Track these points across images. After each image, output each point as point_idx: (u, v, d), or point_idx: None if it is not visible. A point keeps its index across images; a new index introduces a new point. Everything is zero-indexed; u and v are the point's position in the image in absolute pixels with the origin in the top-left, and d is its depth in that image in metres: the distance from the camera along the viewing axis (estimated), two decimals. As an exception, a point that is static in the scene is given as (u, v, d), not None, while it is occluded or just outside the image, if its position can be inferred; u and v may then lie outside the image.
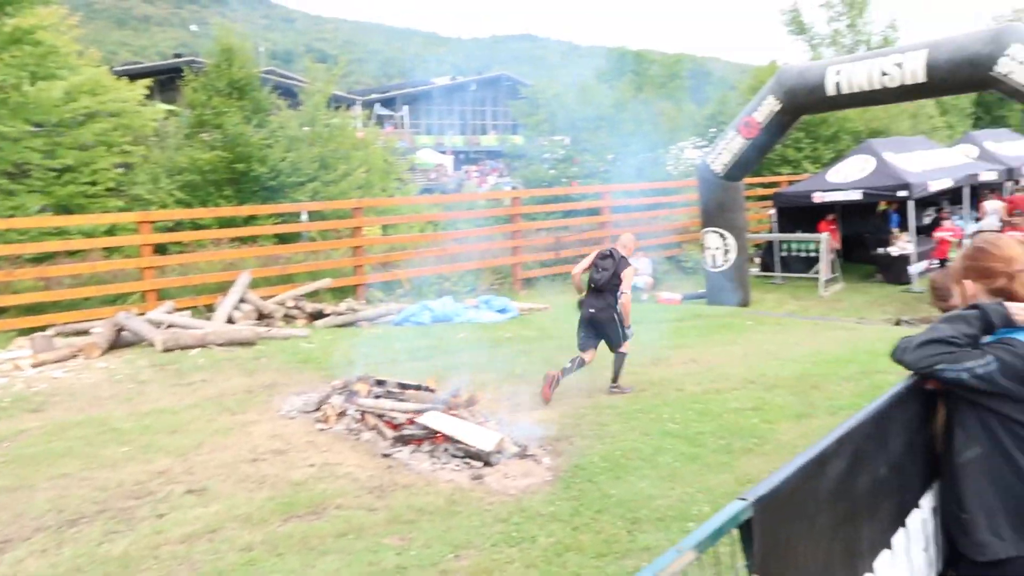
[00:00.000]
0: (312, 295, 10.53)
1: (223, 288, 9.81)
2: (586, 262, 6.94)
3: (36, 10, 11.31)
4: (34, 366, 7.39)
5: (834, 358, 7.35)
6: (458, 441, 5.20)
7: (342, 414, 5.81)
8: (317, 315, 9.89)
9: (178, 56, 28.71)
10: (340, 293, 11.25)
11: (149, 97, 15.24)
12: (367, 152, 15.66)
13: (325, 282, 10.80)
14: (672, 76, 27.86)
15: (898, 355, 2.39)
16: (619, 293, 6.63)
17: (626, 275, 6.67)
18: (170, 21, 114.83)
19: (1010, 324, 2.33)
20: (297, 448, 5.34)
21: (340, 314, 9.94)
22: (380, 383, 6.18)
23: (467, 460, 5.08)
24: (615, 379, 6.73)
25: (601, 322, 6.68)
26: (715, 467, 4.84)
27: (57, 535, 4.10)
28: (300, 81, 18.56)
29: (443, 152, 41.10)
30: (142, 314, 8.73)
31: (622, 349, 6.74)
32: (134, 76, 16.04)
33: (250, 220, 11.85)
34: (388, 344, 8.40)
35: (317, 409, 6.03)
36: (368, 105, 37.61)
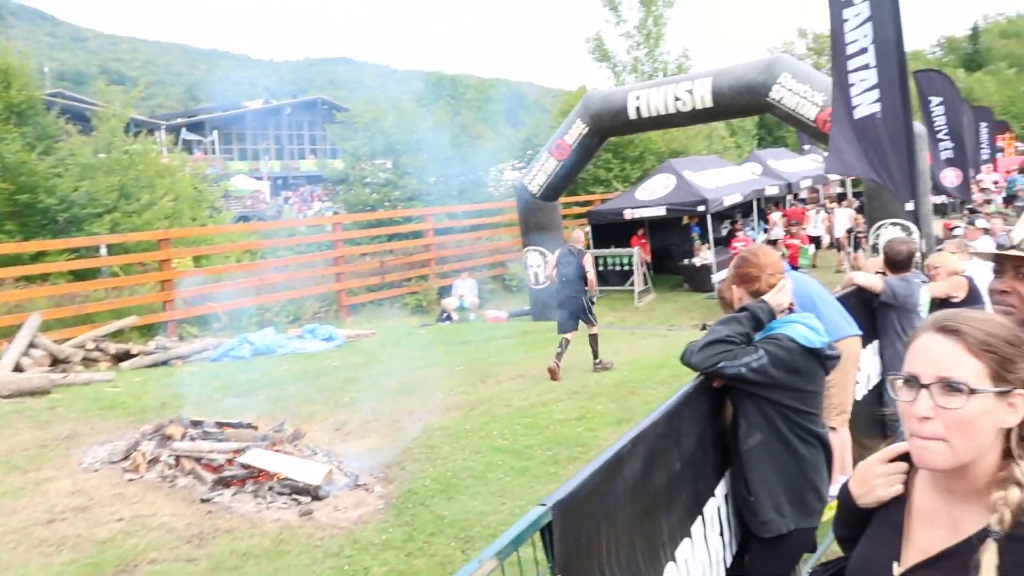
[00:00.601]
0: (116, 335, 9.72)
1: (8, 333, 8.81)
2: (552, 263, 8.74)
3: None
4: None
5: (649, 364, 7.86)
6: (284, 477, 5.02)
7: (154, 461, 5.41)
8: (123, 356, 9.15)
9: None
10: (149, 331, 10.48)
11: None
12: (174, 179, 14.76)
13: (130, 320, 10.01)
14: (487, 100, 28.64)
15: (686, 358, 2.64)
16: (586, 278, 8.35)
17: (587, 262, 8.48)
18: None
19: (774, 316, 2.68)
20: (102, 503, 4.91)
21: (149, 353, 9.25)
22: (196, 424, 5.82)
23: (295, 496, 4.90)
24: (596, 357, 8.11)
25: (575, 307, 8.23)
26: (544, 478, 5.00)
27: None
28: (93, 104, 17.18)
29: (259, 178, 39.46)
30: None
31: (593, 330, 8.24)
32: None
33: (39, 256, 10.76)
34: (205, 382, 7.93)
35: (125, 458, 5.57)
36: (173, 130, 35.43)
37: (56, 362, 8.55)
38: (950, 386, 1.19)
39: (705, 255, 15.29)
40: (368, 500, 4.92)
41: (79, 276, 11.00)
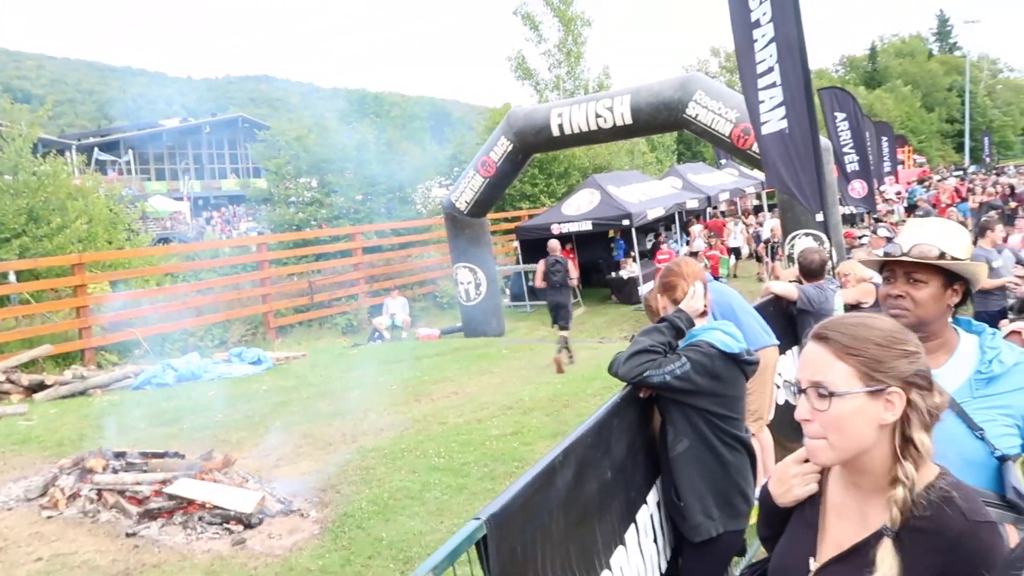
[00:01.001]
0: (29, 365, 9.27)
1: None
2: (540, 272, 10.27)
3: None
4: None
5: (581, 377, 7.99)
6: (214, 507, 4.89)
7: (74, 496, 5.20)
8: (37, 387, 8.72)
9: None
10: (65, 360, 10.03)
11: None
12: (87, 201, 14.18)
13: (44, 349, 9.57)
14: (412, 117, 28.60)
15: (613, 369, 2.74)
16: (571, 281, 10.27)
17: (571, 269, 10.31)
18: None
19: (693, 323, 2.81)
20: (18, 542, 4.70)
21: (65, 383, 8.84)
22: (119, 455, 5.62)
23: (226, 526, 4.79)
24: (568, 350, 9.45)
25: (562, 307, 9.90)
26: (481, 494, 5.03)
27: None
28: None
29: (179, 198, 38.25)
30: None
31: (569, 328, 9.92)
32: None
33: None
34: (127, 411, 7.65)
35: (43, 494, 5.34)
36: (85, 150, 34.04)
37: (-37, 396, 8.10)
38: (820, 390, 1.31)
39: (631, 268, 15.63)
40: (303, 526, 4.85)
41: (-14, 305, 10.45)
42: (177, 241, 23.73)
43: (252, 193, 24.63)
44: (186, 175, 43.34)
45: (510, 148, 11.57)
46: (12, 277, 11.12)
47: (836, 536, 1.39)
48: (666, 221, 18.69)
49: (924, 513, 1.25)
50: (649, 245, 18.18)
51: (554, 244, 10.72)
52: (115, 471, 5.41)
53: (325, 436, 6.49)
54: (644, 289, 15.25)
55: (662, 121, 10.63)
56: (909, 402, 1.29)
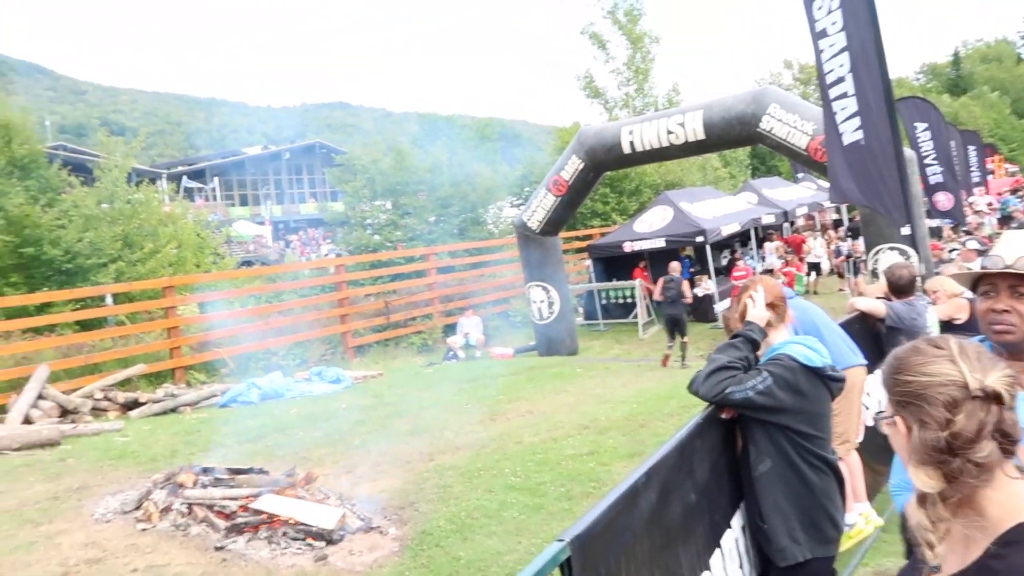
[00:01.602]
0: (124, 383, 9.75)
1: (16, 386, 8.83)
2: (659, 289, 12.08)
3: None
4: None
5: (657, 396, 7.87)
6: (298, 522, 5.01)
7: (167, 510, 5.40)
8: (132, 405, 9.16)
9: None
10: (157, 378, 10.50)
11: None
12: (176, 227, 14.92)
13: (138, 368, 10.04)
14: (483, 139, 29.00)
15: (693, 388, 2.70)
16: (683, 299, 11.79)
17: (684, 287, 11.92)
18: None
19: (765, 332, 2.75)
20: (115, 554, 4.90)
21: (158, 401, 9.26)
22: (207, 471, 5.82)
23: (309, 541, 4.90)
24: (684, 359, 11.22)
25: (677, 320, 11.47)
26: (558, 515, 5.00)
27: None
28: (95, 156, 17.42)
29: (261, 223, 39.72)
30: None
31: (687, 338, 11.52)
32: None
33: (45, 308, 10.82)
34: (215, 428, 7.93)
35: (137, 508, 5.57)
36: (174, 178, 35.78)
37: (65, 413, 8.56)
38: None
39: (707, 285, 15.37)
40: (383, 543, 4.91)
41: (86, 326, 11.06)
42: (259, 264, 24.60)
43: (329, 216, 25.36)
44: (267, 200, 45.02)
45: (581, 166, 11.59)
46: (109, 300, 11.74)
47: (946, 566, 1.32)
48: (741, 237, 18.31)
49: (1000, 551, 1.17)
50: (724, 262, 17.84)
51: (674, 265, 12.52)
52: (204, 486, 5.61)
53: (403, 454, 6.57)
54: (719, 307, 14.96)
55: (735, 136, 10.47)
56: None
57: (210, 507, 5.32)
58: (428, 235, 18.25)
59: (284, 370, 10.69)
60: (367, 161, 20.09)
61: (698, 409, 2.79)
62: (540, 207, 12.13)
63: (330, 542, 4.86)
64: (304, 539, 4.91)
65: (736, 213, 17.25)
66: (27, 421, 8.19)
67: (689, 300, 12.24)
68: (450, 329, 13.96)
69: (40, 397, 8.60)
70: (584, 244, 18.37)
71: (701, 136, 10.39)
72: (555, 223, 12.26)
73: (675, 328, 11.47)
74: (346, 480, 6.07)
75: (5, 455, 7.15)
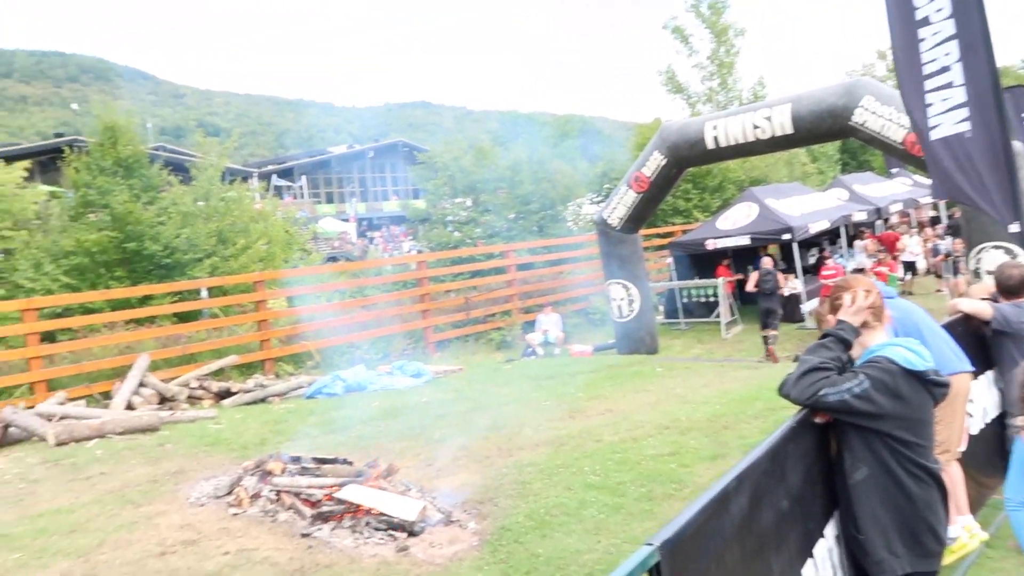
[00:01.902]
0: (218, 373, 10.17)
1: (120, 373, 9.34)
2: (754, 280, 12.60)
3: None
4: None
5: (741, 398, 7.66)
6: (380, 513, 5.10)
7: (256, 496, 5.60)
8: (224, 394, 9.54)
9: (59, 136, 27.63)
10: (247, 369, 10.91)
11: (29, 179, 14.61)
12: (267, 224, 15.45)
13: (230, 359, 10.46)
14: (563, 136, 28.91)
15: (784, 391, 2.59)
16: (780, 290, 12.34)
17: (780, 279, 12.37)
18: (50, 101, 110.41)
19: (858, 332, 2.62)
20: (209, 536, 5.10)
21: (248, 391, 9.62)
22: (295, 460, 6.00)
23: (391, 532, 4.98)
24: (767, 352, 11.72)
25: (772, 312, 12.00)
26: (638, 515, 4.93)
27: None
28: (192, 156, 18.22)
29: (346, 220, 40.80)
30: (31, 407, 8.19)
31: (776, 332, 11.99)
32: (11, 158, 15.39)
33: (146, 300, 11.39)
34: (301, 418, 8.19)
35: (229, 493, 5.79)
36: (265, 177, 37.11)
37: (163, 400, 9.00)
38: None
39: (794, 284, 14.88)
40: (462, 537, 4.95)
41: (183, 318, 11.60)
42: (344, 260, 25.27)
43: (411, 213, 25.81)
44: (352, 198, 46.20)
45: (663, 162, 11.39)
46: (204, 293, 12.27)
47: None
48: (830, 235, 17.64)
49: None
50: (812, 260, 17.23)
51: (767, 260, 12.86)
52: (291, 475, 5.79)
53: (482, 449, 6.61)
54: (807, 307, 14.45)
55: (825, 130, 10.07)
56: None
57: (297, 495, 5.48)
58: (508, 232, 18.33)
59: (367, 363, 10.93)
60: (448, 159, 20.33)
61: (786, 412, 2.69)
62: (621, 204, 11.99)
63: (411, 533, 4.93)
64: (386, 529, 4.99)
65: (825, 210, 16.63)
66: (129, 407, 8.64)
67: (785, 293, 12.54)
68: (529, 326, 13.98)
69: (141, 384, 9.06)
70: (665, 241, 18.08)
71: (789, 130, 10.05)
72: (636, 220, 12.09)
73: (768, 319, 11.90)
74: (426, 473, 6.15)
75: (110, 439, 7.57)
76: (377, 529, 4.97)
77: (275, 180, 36.87)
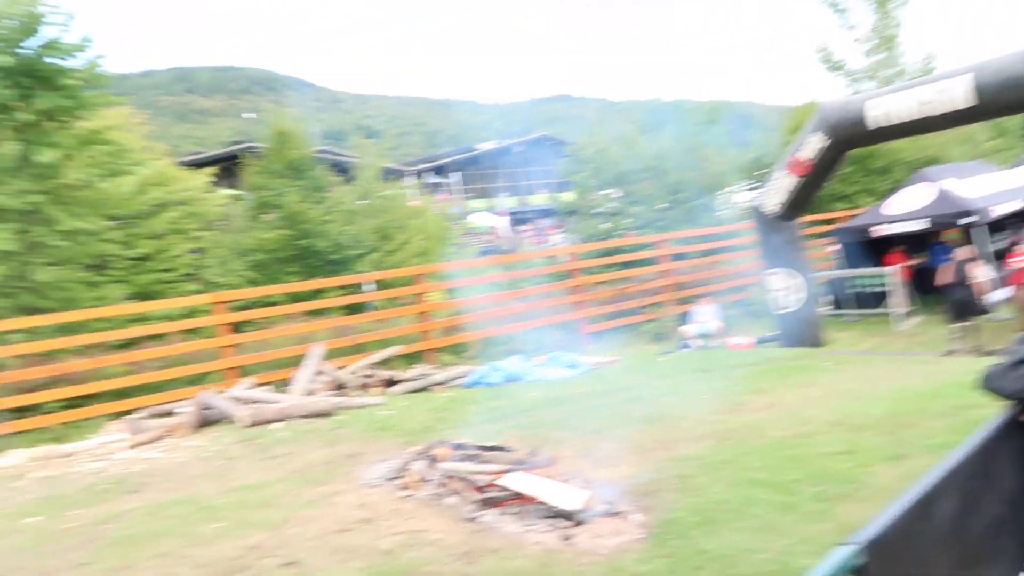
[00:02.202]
0: (384, 362, 10.71)
1: (297, 361, 10.06)
2: (948, 272, 11.60)
3: (105, 112, 12.02)
4: (132, 447, 7.69)
5: (921, 394, 7.11)
6: (543, 502, 5.18)
7: (424, 480, 5.85)
8: (390, 382, 10.05)
9: (236, 143, 30.10)
10: (410, 359, 11.42)
11: (213, 184, 16.01)
12: (423, 220, 16.07)
13: (394, 349, 10.99)
14: (710, 122, 27.94)
15: (989, 384, 2.36)
16: (973, 281, 11.34)
17: (975, 269, 11.47)
18: (227, 112, 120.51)
19: None
20: (383, 516, 5.37)
21: (412, 380, 10.07)
22: (459, 446, 6.23)
23: (554, 520, 5.04)
24: (973, 347, 10.85)
25: (965, 303, 11.25)
26: (812, 516, 4.70)
27: (164, 614, 4.21)
28: (352, 157, 19.27)
29: (497, 214, 41.68)
30: (223, 392, 9.00)
31: (976, 322, 11.28)
32: (198, 165, 16.92)
33: (318, 293, 12.19)
34: (462, 406, 8.47)
35: (399, 476, 6.09)
36: (419, 175, 38.62)
37: (338, 387, 9.61)
38: None
39: (984, 272, 13.57)
40: (626, 529, 4.93)
41: (351, 310, 12.32)
42: (497, 253, 25.83)
43: (560, 206, 25.94)
44: (501, 192, 47.09)
45: (824, 144, 10.76)
46: (373, 286, 12.95)
47: None
48: (1022, 216, 15.95)
49: None
50: (1000, 246, 15.66)
51: (962, 250, 11.95)
52: (456, 460, 6.01)
53: (641, 441, 6.54)
54: (995, 297, 13.17)
55: (1011, 101, 9.11)
56: None
57: (462, 480, 5.68)
58: (659, 222, 18.00)
59: (523, 354, 11.12)
60: (594, 151, 20.24)
61: (979, 411, 2.46)
62: (778, 189, 11.45)
63: (575, 523, 4.97)
64: (550, 518, 5.06)
65: (1015, 190, 15.06)
66: (308, 393, 9.29)
67: (978, 283, 11.58)
68: (683, 317, 13.68)
69: (318, 372, 9.72)
70: (827, 228, 17.08)
71: (970, 103, 9.17)
72: (795, 206, 11.51)
73: (963, 312, 11.18)
74: (586, 464, 6.17)
75: (291, 421, 8.19)
76: (542, 517, 5.05)
77: (428, 177, 38.25)
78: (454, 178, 45.84)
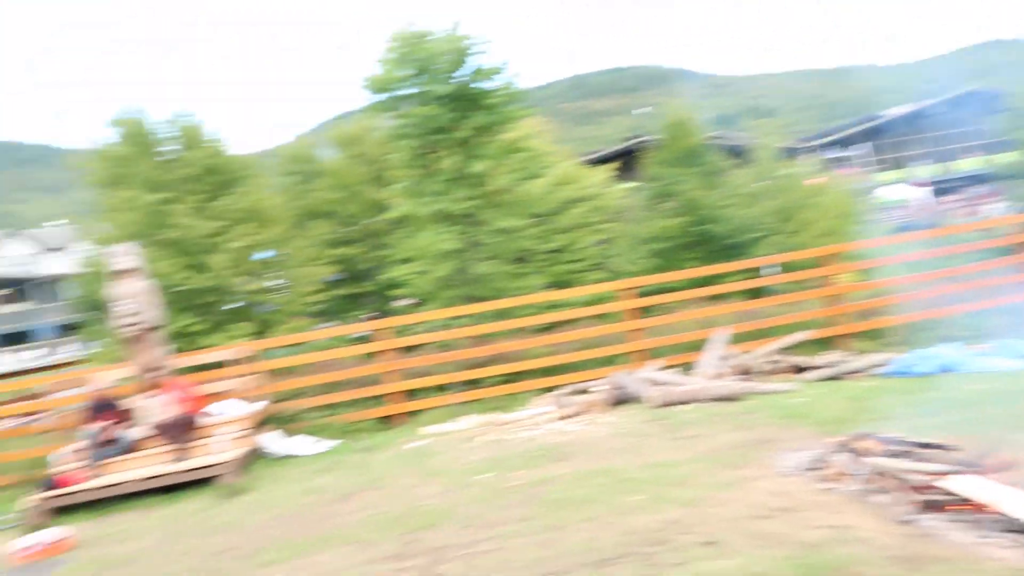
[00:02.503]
0: (792, 348, 10.22)
1: (700, 345, 10.12)
2: None
3: (520, 123, 13.55)
4: (560, 419, 8.53)
5: None
6: (1002, 511, 4.42)
7: (849, 473, 5.42)
8: (799, 368, 9.55)
9: (631, 139, 31.51)
10: (820, 345, 10.70)
11: (614, 179, 16.98)
12: (826, 197, 14.99)
13: (803, 334, 10.39)
14: None
15: None
16: None
17: None
18: (619, 111, 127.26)
19: None
20: (803, 507, 5.13)
21: (824, 367, 9.44)
22: (889, 441, 5.63)
23: (1018, 536, 4.26)
24: None
25: None
26: None
27: (595, 572, 4.55)
28: (745, 140, 18.80)
29: (914, 184, 37.08)
30: (633, 373, 9.46)
31: None
32: (598, 163, 18.08)
33: (718, 278, 12.09)
34: (885, 397, 7.67)
35: (818, 467, 5.74)
36: (819, 150, 36.19)
37: (743, 372, 9.43)
38: None
39: None
40: None
41: (753, 294, 11.97)
42: (916, 229, 22.92)
43: (997, 170, 22.01)
44: (918, 161, 41.82)
45: None
46: (775, 269, 12.42)
47: None
48: None
49: None
50: None
51: None
52: (885, 455, 5.44)
53: None
54: None
55: None
56: None
57: (895, 478, 5.12)
58: None
59: (958, 341, 9.66)
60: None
61: None
62: None
63: (1049, 541, 4.14)
64: (1013, 532, 4.30)
65: None
66: (714, 377, 9.29)
67: None
68: None
69: (722, 356, 9.66)
70: None
71: None
72: None
73: None
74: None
75: (700, 404, 8.28)
76: (1004, 530, 4.31)
77: (829, 151, 35.57)
78: (859, 150, 41.91)
